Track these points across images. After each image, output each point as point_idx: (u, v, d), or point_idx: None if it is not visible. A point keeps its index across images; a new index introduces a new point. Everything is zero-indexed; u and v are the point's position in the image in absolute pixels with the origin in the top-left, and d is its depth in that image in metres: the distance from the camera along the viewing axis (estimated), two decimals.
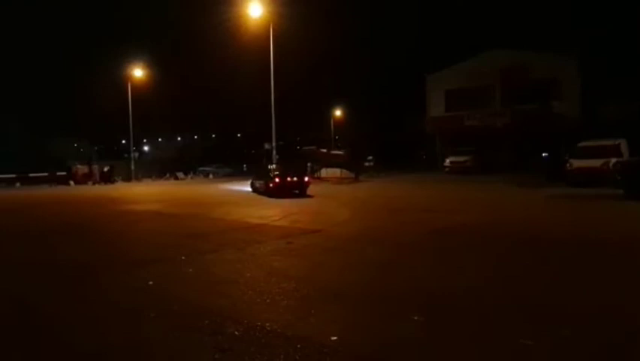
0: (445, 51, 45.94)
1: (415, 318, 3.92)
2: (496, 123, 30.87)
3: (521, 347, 3.31)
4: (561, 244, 7.26)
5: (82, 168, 37.94)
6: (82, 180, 36.18)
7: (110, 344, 3.61)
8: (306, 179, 18.56)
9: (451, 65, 36.66)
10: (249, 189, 21.04)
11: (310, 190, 18.59)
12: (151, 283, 5.37)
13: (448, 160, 30.96)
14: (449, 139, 34.45)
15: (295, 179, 17.86)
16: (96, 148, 58.55)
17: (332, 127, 58.96)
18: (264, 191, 18.54)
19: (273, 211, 12.51)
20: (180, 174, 43.50)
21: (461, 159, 29.90)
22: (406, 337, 3.58)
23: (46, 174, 37.00)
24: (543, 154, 25.02)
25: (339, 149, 37.63)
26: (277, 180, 17.62)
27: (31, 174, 36.82)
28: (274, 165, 21.26)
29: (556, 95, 30.07)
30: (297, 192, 17.54)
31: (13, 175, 36.78)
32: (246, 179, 32.55)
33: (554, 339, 3.45)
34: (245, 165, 57.19)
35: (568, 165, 17.94)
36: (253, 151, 59.81)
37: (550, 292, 4.67)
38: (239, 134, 72.29)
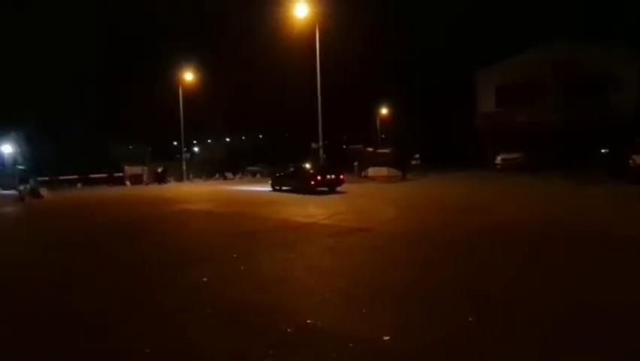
0: (494, 45, 44.51)
1: (470, 319, 3.83)
2: (550, 118, 29.63)
3: (582, 350, 3.17)
4: (618, 243, 6.86)
5: (134, 169, 39.74)
6: (135, 180, 37.87)
7: (169, 340, 3.75)
8: (341, 177, 19.27)
9: (501, 60, 35.51)
10: (269, 188, 22.07)
11: (357, 189, 18.58)
12: (205, 280, 5.54)
13: (499, 157, 30.02)
14: (500, 136, 33.36)
15: (333, 177, 18.85)
16: (150, 150, 60.92)
17: (378, 125, 58.55)
18: (293, 189, 19.71)
19: (320, 210, 12.57)
20: (229, 174, 44.60)
21: (513, 155, 28.89)
22: (460, 338, 3.50)
23: (104, 175, 39.11)
24: (602, 150, 23.73)
25: (385, 147, 37.29)
26: (319, 177, 18.41)
27: (91, 175, 38.99)
28: (308, 165, 21.76)
29: (613, 88, 28.50)
30: (326, 189, 18.53)
31: (75, 176, 39.09)
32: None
33: (613, 342, 3.27)
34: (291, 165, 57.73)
35: (631, 160, 16.94)
36: (300, 150, 60.33)
37: (604, 293, 4.43)
38: (286, 134, 73.05)
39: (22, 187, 24.36)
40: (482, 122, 35.77)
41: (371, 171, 28.98)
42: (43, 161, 40.38)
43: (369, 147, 35.00)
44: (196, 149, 75.84)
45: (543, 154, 28.45)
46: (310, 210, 12.86)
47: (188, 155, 49.07)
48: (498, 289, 4.75)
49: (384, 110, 58.06)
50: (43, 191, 25.04)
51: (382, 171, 28.12)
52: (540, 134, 29.67)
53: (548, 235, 7.80)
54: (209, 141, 78.75)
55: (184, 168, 43.27)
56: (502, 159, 29.53)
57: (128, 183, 37.28)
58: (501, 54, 35.92)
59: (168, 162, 45.32)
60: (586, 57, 29.42)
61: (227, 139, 78.62)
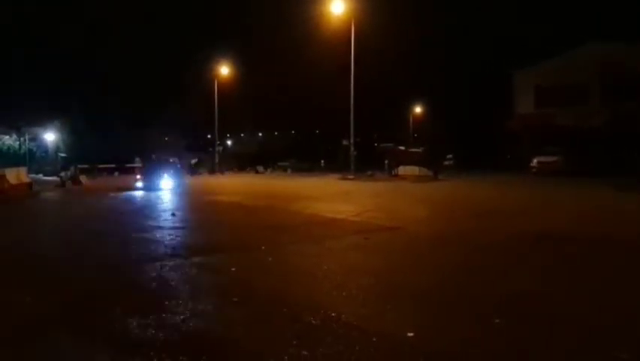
0: (532, 45, 43.33)
1: (497, 321, 3.77)
2: (593, 122, 28.56)
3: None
4: None
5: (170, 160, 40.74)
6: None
7: (196, 326, 3.82)
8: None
9: (540, 60, 34.50)
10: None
11: (388, 188, 18.37)
12: (233, 269, 5.65)
13: (535, 160, 29.08)
14: (537, 138, 32.42)
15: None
16: (185, 142, 62.16)
17: (411, 124, 57.93)
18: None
19: (350, 207, 12.57)
20: (260, 168, 45.25)
21: (550, 159, 27.92)
22: (485, 339, 3.45)
23: (140, 165, 40.28)
24: None
25: (417, 146, 36.87)
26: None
27: (127, 165, 40.24)
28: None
29: None
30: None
31: (113, 165, 40.44)
32: (322, 174, 33.04)
33: None
34: (322, 161, 58.06)
35: None
36: (329, 148, 60.36)
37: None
38: (317, 131, 73.14)
39: (63, 174, 25.38)
40: (519, 124, 34.86)
41: (401, 170, 28.72)
42: (85, 149, 41.92)
43: (401, 145, 34.69)
44: (229, 142, 76.83)
45: (583, 158, 27.41)
46: (339, 206, 12.90)
47: (220, 148, 49.93)
48: (525, 294, 4.65)
49: (417, 109, 57.38)
50: (83, 178, 26.01)
51: (413, 170, 27.81)
52: (582, 138, 28.63)
53: (593, 244, 7.56)
54: (242, 135, 79.66)
55: (216, 160, 44.04)
56: (539, 162, 28.61)
57: None
58: (539, 54, 34.97)
59: (201, 154, 46.21)
60: (632, 58, 28.20)
61: (260, 134, 79.34)
